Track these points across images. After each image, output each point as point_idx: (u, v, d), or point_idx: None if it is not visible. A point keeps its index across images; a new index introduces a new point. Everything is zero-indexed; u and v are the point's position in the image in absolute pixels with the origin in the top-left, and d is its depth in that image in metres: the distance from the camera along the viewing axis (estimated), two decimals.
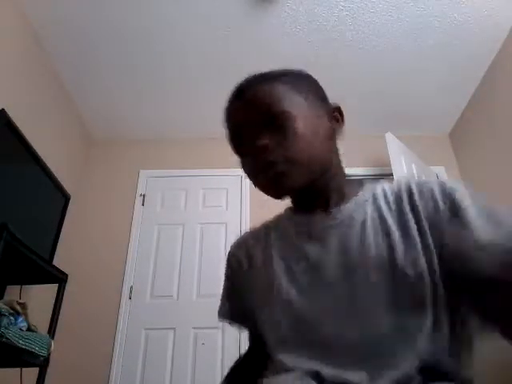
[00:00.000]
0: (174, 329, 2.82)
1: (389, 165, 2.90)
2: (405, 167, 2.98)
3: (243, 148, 0.67)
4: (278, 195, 0.67)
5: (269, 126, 0.64)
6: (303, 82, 0.72)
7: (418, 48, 2.78)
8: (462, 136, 3.38)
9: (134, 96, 3.14)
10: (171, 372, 2.69)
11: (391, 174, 2.85)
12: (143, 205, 3.28)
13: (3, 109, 2.16)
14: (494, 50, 2.80)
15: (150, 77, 2.95)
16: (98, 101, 3.20)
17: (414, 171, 3.07)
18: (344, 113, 0.78)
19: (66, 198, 2.71)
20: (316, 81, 0.76)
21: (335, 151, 0.77)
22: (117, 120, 3.40)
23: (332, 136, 0.74)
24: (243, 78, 0.70)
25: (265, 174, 0.63)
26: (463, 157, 3.36)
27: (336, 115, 0.77)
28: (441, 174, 3.35)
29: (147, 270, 3.02)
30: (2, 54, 2.29)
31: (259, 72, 0.71)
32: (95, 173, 3.42)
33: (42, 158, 2.46)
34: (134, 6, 2.49)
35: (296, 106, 0.65)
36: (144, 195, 3.31)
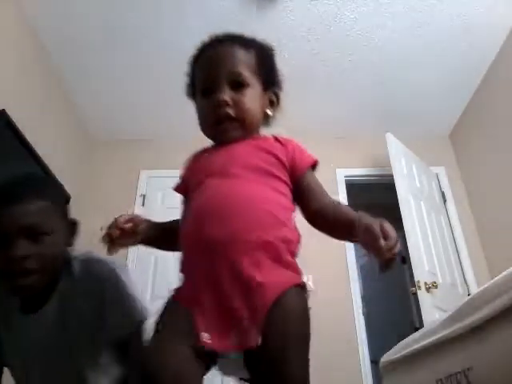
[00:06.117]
0: None
1: (389, 165, 2.90)
2: (405, 168, 2.98)
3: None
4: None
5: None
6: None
7: (419, 48, 2.78)
8: (462, 136, 3.38)
9: (134, 96, 3.14)
10: None
11: (391, 175, 2.86)
12: (143, 205, 3.28)
13: (3, 109, 2.16)
14: (495, 50, 2.80)
15: (150, 77, 2.95)
16: (98, 101, 3.20)
17: (414, 171, 3.08)
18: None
19: (66, 198, 2.71)
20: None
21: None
22: (117, 120, 3.40)
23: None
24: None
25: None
26: (463, 157, 3.36)
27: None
28: (441, 174, 3.35)
29: (147, 270, 3.02)
30: (2, 55, 2.29)
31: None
32: (95, 173, 3.42)
33: (42, 158, 2.46)
34: (134, 6, 2.49)
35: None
36: (144, 195, 3.31)
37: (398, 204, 2.73)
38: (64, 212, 0.99)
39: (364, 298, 3.43)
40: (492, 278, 0.86)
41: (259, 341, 0.66)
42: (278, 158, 0.86)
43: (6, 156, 2.17)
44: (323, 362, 2.58)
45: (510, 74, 2.72)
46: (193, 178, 0.90)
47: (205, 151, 0.96)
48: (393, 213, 3.15)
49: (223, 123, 0.88)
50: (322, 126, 3.24)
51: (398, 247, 0.68)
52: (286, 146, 0.90)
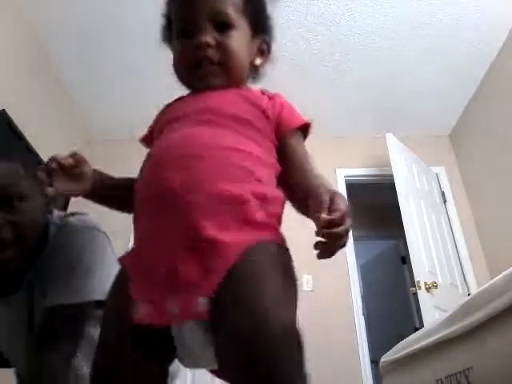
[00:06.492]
0: None
1: (389, 165, 2.90)
2: (405, 168, 2.98)
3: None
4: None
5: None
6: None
7: (419, 48, 2.78)
8: (462, 136, 3.38)
9: (134, 96, 3.14)
10: None
11: (391, 175, 2.86)
12: None
13: (4, 109, 2.16)
14: (495, 50, 2.80)
15: (150, 76, 2.95)
16: (98, 101, 3.21)
17: (415, 171, 3.07)
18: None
19: (66, 198, 2.71)
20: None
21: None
22: (117, 120, 3.40)
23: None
24: None
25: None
26: (463, 157, 3.36)
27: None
28: (441, 174, 3.35)
29: None
30: (2, 55, 2.29)
31: None
32: None
33: (43, 158, 2.46)
34: (134, 6, 2.49)
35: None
36: None
37: (398, 204, 2.72)
38: (38, 178, 0.90)
39: (364, 298, 3.43)
40: (492, 278, 0.86)
41: (207, 311, 0.55)
42: (263, 111, 0.75)
43: (6, 156, 2.17)
44: (323, 361, 2.58)
45: (510, 74, 2.72)
46: (159, 125, 0.80)
47: (178, 99, 0.85)
48: (393, 213, 3.15)
49: (203, 67, 0.76)
50: (321, 126, 3.24)
51: (345, 228, 0.56)
52: (274, 99, 0.79)
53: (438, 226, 3.00)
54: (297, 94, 3.07)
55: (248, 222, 0.62)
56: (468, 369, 0.85)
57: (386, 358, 1.40)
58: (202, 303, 0.55)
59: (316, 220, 0.56)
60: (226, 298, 0.54)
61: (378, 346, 3.17)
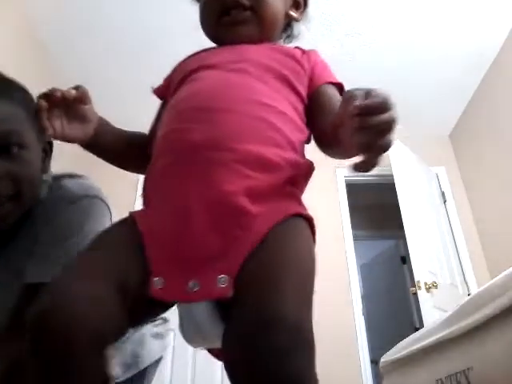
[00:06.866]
0: (173, 330, 2.81)
1: (389, 165, 2.90)
2: (405, 168, 2.98)
3: None
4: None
5: None
6: None
7: (419, 48, 2.78)
8: (462, 136, 3.38)
9: (134, 96, 3.14)
10: (171, 374, 2.69)
11: (391, 175, 2.86)
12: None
13: None
14: (495, 50, 2.80)
15: (151, 76, 2.94)
16: (98, 101, 3.20)
17: (415, 172, 3.07)
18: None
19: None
20: None
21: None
22: (117, 120, 3.39)
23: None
24: None
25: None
26: (463, 157, 3.36)
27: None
28: (441, 174, 3.35)
29: None
30: (1, 55, 2.29)
31: None
32: (96, 173, 3.41)
33: None
34: (134, 6, 2.49)
35: None
36: None
37: (398, 204, 2.72)
38: (37, 125, 0.73)
39: (364, 298, 3.43)
40: (492, 278, 0.86)
41: (231, 291, 0.48)
42: (299, 63, 0.67)
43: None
44: (323, 361, 2.58)
45: (510, 74, 2.72)
46: (181, 74, 0.70)
47: (203, 51, 0.75)
48: (393, 213, 3.15)
49: (231, 14, 0.68)
50: None
51: (389, 116, 0.41)
52: (309, 54, 0.71)
53: (437, 226, 2.99)
54: None
55: (279, 193, 0.55)
56: (468, 369, 0.85)
57: (386, 358, 1.40)
58: (222, 281, 0.49)
59: (346, 115, 0.43)
60: (247, 279, 0.48)
61: (378, 346, 3.17)
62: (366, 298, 4.26)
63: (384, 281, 4.50)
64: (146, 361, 0.95)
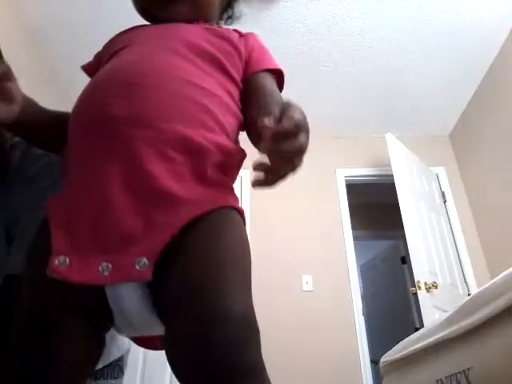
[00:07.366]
0: None
1: (389, 165, 2.90)
2: (405, 168, 2.98)
3: None
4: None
5: None
6: None
7: (419, 48, 2.78)
8: (462, 136, 3.38)
9: None
10: (171, 374, 2.68)
11: (391, 175, 2.86)
12: None
13: None
14: (495, 50, 2.80)
15: None
16: None
17: (415, 172, 3.08)
18: None
19: None
20: None
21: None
22: None
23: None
24: None
25: None
26: (463, 157, 3.36)
27: None
28: (441, 174, 3.35)
29: None
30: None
31: None
32: None
33: None
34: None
35: None
36: None
37: (398, 204, 2.72)
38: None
39: (364, 298, 3.43)
40: (492, 278, 0.86)
41: (150, 275, 0.46)
42: (234, 47, 0.65)
43: None
44: (323, 361, 2.58)
45: (510, 74, 2.72)
46: (111, 50, 0.67)
47: (136, 27, 0.73)
48: (393, 213, 3.15)
49: None
50: (321, 126, 3.23)
51: (298, 144, 0.42)
52: (247, 37, 0.69)
53: (438, 225, 3.00)
54: (297, 93, 3.08)
55: (207, 178, 0.52)
56: (468, 369, 0.85)
57: (385, 358, 1.40)
58: (141, 264, 0.46)
59: (261, 132, 0.41)
60: (174, 266, 0.47)
61: (378, 346, 3.17)
62: (366, 298, 4.27)
63: (384, 281, 4.50)
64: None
